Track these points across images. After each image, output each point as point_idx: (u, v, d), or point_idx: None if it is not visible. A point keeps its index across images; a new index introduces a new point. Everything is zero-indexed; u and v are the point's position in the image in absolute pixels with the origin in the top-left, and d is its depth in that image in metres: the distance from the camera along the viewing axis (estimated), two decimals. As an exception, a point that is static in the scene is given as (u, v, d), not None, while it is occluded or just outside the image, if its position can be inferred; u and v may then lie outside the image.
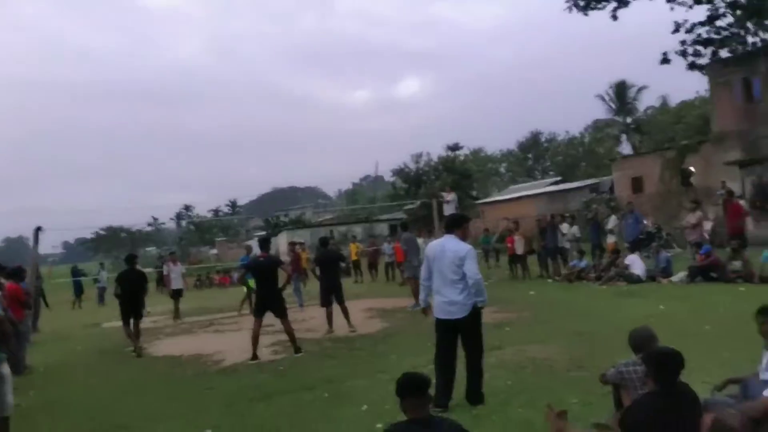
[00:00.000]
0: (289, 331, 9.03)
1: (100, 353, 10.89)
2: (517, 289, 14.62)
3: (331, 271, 10.90)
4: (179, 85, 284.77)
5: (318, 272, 11.19)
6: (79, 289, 24.26)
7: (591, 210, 23.28)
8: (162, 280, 23.31)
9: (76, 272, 25.62)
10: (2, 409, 5.02)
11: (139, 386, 7.92)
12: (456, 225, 5.74)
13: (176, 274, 15.80)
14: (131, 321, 10.53)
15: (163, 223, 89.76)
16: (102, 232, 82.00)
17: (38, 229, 14.12)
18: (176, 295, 15.56)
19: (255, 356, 8.72)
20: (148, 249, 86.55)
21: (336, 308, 10.75)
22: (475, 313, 5.41)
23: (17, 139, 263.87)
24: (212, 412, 6.14)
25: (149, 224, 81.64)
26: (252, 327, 8.96)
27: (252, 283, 15.32)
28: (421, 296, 5.88)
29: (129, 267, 10.86)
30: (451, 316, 5.37)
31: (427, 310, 5.80)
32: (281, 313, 9.00)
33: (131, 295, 10.52)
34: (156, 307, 17.18)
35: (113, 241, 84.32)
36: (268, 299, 8.97)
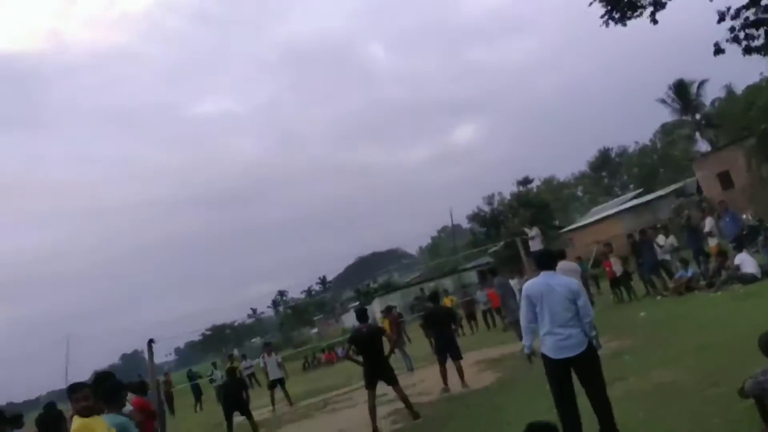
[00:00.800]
0: (404, 398, 8.96)
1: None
2: (626, 312, 13.97)
3: (445, 328, 10.82)
4: (250, 182, 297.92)
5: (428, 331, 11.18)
6: (197, 392, 25.05)
7: (682, 216, 22.11)
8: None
9: (192, 376, 26.55)
10: None
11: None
12: (553, 260, 5.65)
13: (272, 365, 16.09)
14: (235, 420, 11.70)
15: (262, 313, 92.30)
16: (208, 332, 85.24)
17: (151, 342, 14.74)
18: (274, 385, 15.94)
19: (376, 429, 8.68)
20: (252, 341, 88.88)
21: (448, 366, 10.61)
22: (592, 346, 5.25)
23: (113, 260, 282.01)
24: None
25: (249, 316, 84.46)
26: (367, 400, 8.96)
27: None
28: (526, 341, 5.59)
29: (228, 378, 12.57)
30: (569, 354, 5.16)
31: (531, 356, 5.58)
32: (392, 380, 8.98)
33: (233, 400, 11.74)
34: (262, 399, 17.48)
35: (219, 338, 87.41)
36: (376, 369, 8.98)
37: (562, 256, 8.12)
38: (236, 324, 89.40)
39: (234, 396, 11.71)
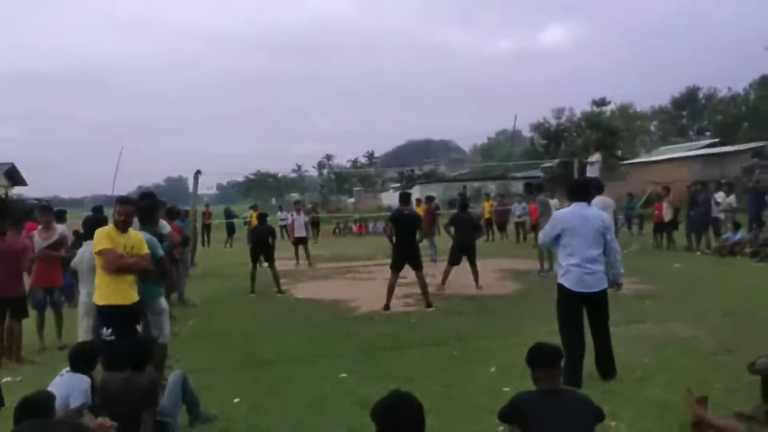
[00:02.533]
0: (423, 285, 9.26)
1: (248, 291, 11.80)
2: (661, 260, 13.77)
3: (465, 232, 11.10)
4: (320, 35, 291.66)
5: (452, 232, 11.32)
6: (231, 230, 26.21)
7: (752, 178, 21.05)
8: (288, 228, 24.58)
9: (229, 214, 27.72)
10: (163, 337, 5.66)
11: (283, 325, 8.58)
12: (588, 192, 5.55)
13: (299, 224, 16.49)
14: (261, 265, 12.07)
15: (306, 171, 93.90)
16: (252, 177, 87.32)
17: (198, 173, 15.24)
18: (298, 242, 16.34)
19: (388, 306, 9.08)
20: (292, 194, 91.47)
21: (459, 269, 10.89)
22: (608, 285, 5.31)
23: (174, 88, 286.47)
24: (348, 358, 6.52)
25: (294, 171, 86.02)
26: (389, 278, 9.30)
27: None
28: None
29: (259, 223, 12.52)
30: (590, 289, 5.18)
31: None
32: (418, 265, 9.26)
33: (259, 246, 11.94)
34: (284, 252, 18.18)
35: (262, 185, 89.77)
36: (408, 252, 9.25)
37: (599, 188, 7.83)
38: (280, 176, 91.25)
39: (262, 241, 11.96)
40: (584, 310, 5.26)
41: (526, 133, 59.48)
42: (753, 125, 49.06)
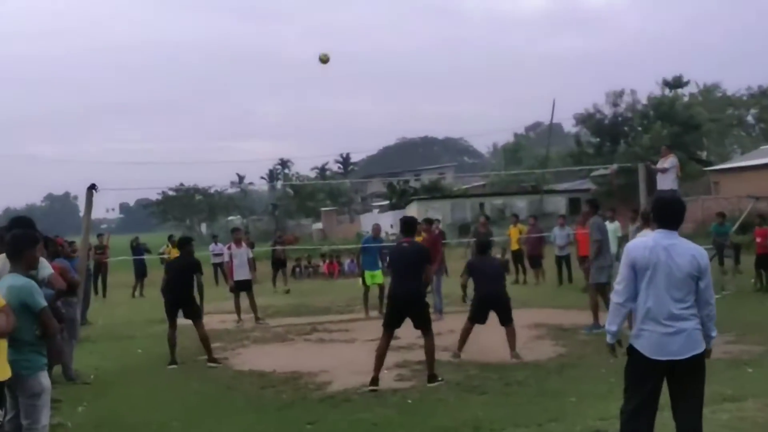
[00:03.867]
0: (430, 350, 9.23)
1: (167, 360, 11.67)
2: (766, 305, 13.97)
3: (489, 280, 10.93)
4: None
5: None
6: (141, 270, 25.92)
7: None
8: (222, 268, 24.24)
9: (137, 247, 27.34)
10: (36, 431, 5.57)
11: (216, 410, 8.48)
12: (679, 218, 5.51)
13: (241, 261, 16.04)
14: (179, 322, 11.71)
15: (252, 184, 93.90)
16: (172, 193, 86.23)
17: (92, 188, 14.88)
18: (240, 288, 15.94)
19: (375, 381, 9.03)
20: (230, 218, 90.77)
21: (483, 328, 10.85)
22: (705, 350, 5.25)
23: (54, 65, 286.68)
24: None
25: (233, 184, 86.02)
26: (379, 340, 9.28)
27: (374, 277, 15.97)
28: (612, 326, 5.46)
29: (179, 256, 12.33)
30: (674, 356, 5.16)
31: (616, 346, 5.57)
32: (424, 322, 9.26)
33: (177, 291, 11.65)
34: (221, 303, 18.06)
35: (186, 205, 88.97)
36: (409, 302, 9.24)
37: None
38: (213, 191, 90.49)
39: (181, 283, 11.64)
40: (665, 385, 5.26)
41: (569, 127, 60.18)
42: None
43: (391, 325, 9.28)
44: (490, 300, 10.83)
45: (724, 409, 6.99)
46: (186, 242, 12.59)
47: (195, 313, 11.61)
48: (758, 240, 16.78)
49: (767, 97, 68.34)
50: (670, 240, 5.31)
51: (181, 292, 11.61)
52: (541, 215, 34.23)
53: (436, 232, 17.32)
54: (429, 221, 17.52)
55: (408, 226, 10.04)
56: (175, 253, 17.67)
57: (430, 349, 9.22)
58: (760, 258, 16.78)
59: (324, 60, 12.69)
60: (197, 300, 11.76)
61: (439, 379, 9.12)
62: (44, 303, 5.66)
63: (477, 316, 10.88)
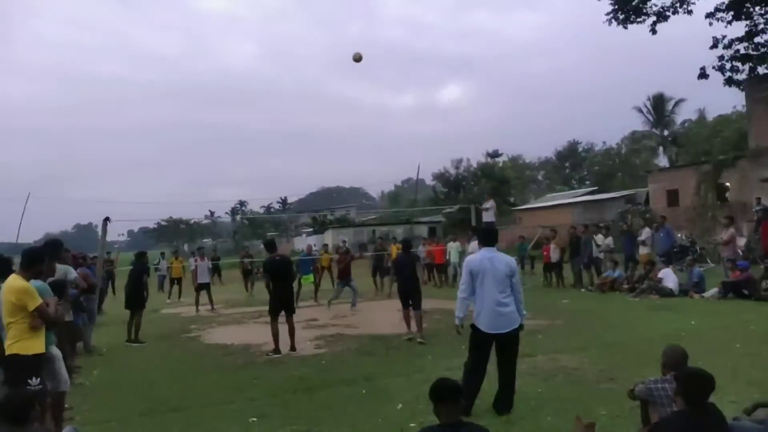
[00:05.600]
0: (291, 330, 9.09)
1: (158, 338, 11.18)
2: (551, 297, 14.33)
3: (408, 274, 10.08)
4: (235, 87, 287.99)
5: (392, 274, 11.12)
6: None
7: (626, 221, 22.62)
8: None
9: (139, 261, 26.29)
10: (59, 385, 5.22)
11: (191, 371, 8.15)
12: (495, 238, 5.74)
13: (202, 269, 16.34)
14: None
15: (219, 217, 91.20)
16: (164, 223, 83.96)
17: (107, 220, 14.34)
18: (201, 288, 16.05)
19: (277, 349, 8.86)
20: (204, 240, 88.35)
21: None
22: (520, 325, 5.44)
23: (84, 134, 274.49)
24: (258, 401, 6.26)
25: (206, 217, 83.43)
26: (270, 323, 9.14)
27: (307, 279, 15.82)
28: (460, 313, 5.55)
29: (136, 262, 11.80)
30: (500, 330, 5.31)
31: (460, 328, 5.58)
32: (290, 311, 9.24)
33: (133, 289, 11.10)
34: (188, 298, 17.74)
35: (174, 231, 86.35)
36: (284, 298, 9.17)
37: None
38: (192, 222, 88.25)
39: (135, 284, 10.99)
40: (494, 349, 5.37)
41: (429, 181, 61.27)
42: (625, 175, 53.06)
43: (276, 313, 9.12)
44: (408, 291, 9.95)
45: (524, 362, 7.12)
46: (141, 255, 12.08)
47: (135, 304, 10.95)
48: (545, 253, 17.34)
49: (550, 164, 71.59)
50: (491, 254, 5.50)
51: (134, 290, 11.06)
52: (412, 238, 34.61)
53: (344, 249, 17.25)
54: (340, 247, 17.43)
55: (270, 245, 9.96)
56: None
57: (291, 328, 9.10)
58: (546, 265, 17.33)
59: (357, 59, 10.79)
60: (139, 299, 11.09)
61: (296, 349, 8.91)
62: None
63: (404, 303, 9.96)
